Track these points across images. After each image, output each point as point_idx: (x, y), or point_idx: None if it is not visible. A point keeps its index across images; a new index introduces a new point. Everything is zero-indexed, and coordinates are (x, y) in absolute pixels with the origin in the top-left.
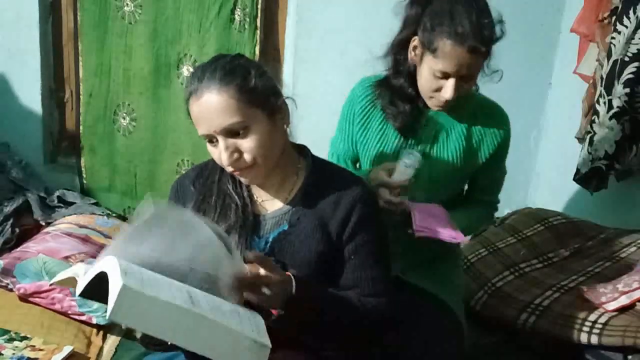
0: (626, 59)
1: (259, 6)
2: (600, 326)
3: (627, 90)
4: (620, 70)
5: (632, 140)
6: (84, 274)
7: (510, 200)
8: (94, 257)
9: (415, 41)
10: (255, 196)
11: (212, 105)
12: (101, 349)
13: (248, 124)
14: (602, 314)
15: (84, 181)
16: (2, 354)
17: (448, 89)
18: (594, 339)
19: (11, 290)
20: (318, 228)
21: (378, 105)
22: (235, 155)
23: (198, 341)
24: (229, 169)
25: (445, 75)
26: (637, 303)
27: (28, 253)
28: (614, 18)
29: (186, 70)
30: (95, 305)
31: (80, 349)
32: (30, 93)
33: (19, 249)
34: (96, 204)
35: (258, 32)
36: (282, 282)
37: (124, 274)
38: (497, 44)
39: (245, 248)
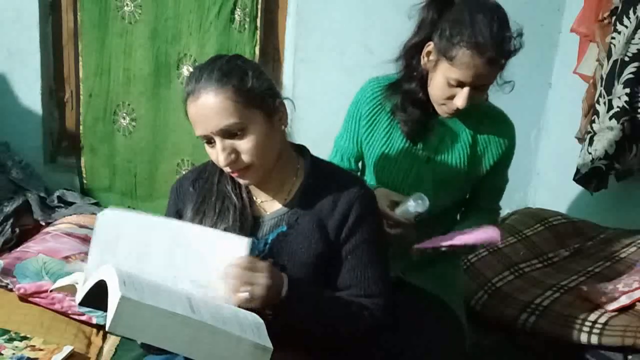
0: (626, 59)
1: (259, 6)
2: (600, 326)
3: (627, 90)
4: (620, 70)
5: (632, 140)
6: (83, 282)
7: (510, 200)
8: None
9: (430, 46)
10: (254, 197)
11: (209, 106)
12: (101, 349)
13: (245, 125)
14: (602, 314)
15: (84, 181)
16: (2, 354)
17: (461, 98)
18: (594, 339)
19: (11, 290)
20: (316, 229)
21: (386, 107)
22: (233, 156)
23: (200, 349)
24: (227, 170)
25: (460, 85)
26: (637, 303)
27: (28, 253)
28: (614, 18)
29: (186, 70)
30: None
31: (80, 349)
32: (30, 93)
33: (19, 249)
34: (96, 204)
35: (258, 32)
36: (271, 282)
37: (123, 284)
38: None
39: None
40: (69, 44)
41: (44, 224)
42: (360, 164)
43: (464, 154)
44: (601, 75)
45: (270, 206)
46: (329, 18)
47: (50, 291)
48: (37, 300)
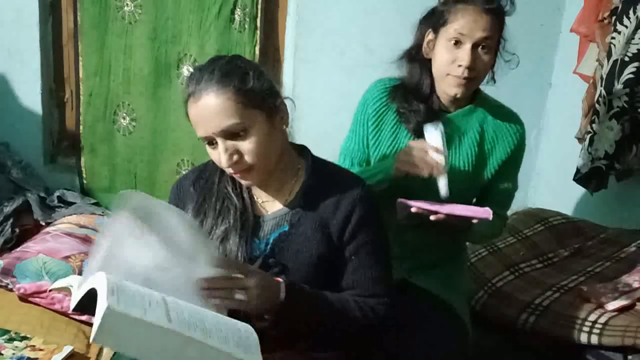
0: (626, 59)
1: (259, 6)
2: (600, 326)
3: (627, 90)
4: (620, 70)
5: (632, 140)
6: (77, 287)
7: None
8: None
9: (429, 35)
10: (255, 197)
11: (211, 108)
12: (101, 349)
13: (247, 125)
14: (602, 314)
15: (84, 181)
16: (2, 354)
17: (464, 54)
18: (594, 339)
19: (11, 290)
20: (318, 229)
21: (392, 107)
22: (235, 157)
23: None
24: (229, 171)
25: (460, 42)
26: (637, 303)
27: (28, 253)
28: (614, 18)
29: (186, 70)
30: None
31: (80, 349)
32: (30, 93)
33: (19, 249)
34: (96, 204)
35: (258, 32)
36: (262, 287)
37: (111, 293)
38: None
39: (246, 249)
40: (69, 44)
41: (44, 224)
42: None
43: (471, 152)
44: (601, 75)
45: (271, 206)
46: (329, 18)
47: (49, 290)
48: (37, 300)
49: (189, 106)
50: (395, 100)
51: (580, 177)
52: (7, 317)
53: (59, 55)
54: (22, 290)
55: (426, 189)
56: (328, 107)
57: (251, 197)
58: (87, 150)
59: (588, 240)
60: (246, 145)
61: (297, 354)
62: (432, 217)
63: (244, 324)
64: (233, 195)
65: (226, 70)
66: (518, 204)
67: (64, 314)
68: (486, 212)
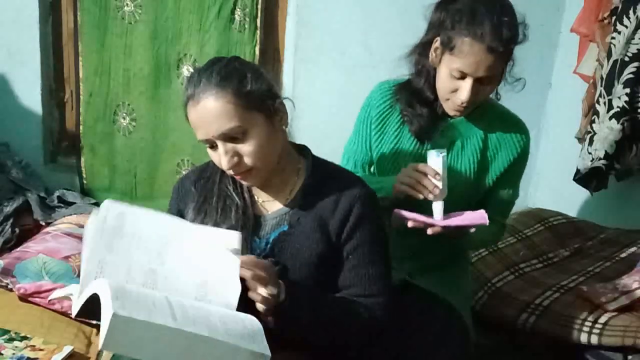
0: (626, 59)
1: (259, 6)
2: (600, 326)
3: (627, 90)
4: (620, 70)
5: (632, 140)
6: (77, 295)
7: None
8: None
9: (436, 42)
10: (255, 197)
11: (210, 111)
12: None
13: (246, 127)
14: (602, 314)
15: (84, 181)
16: (2, 354)
17: (464, 90)
18: (594, 339)
19: (11, 290)
20: (318, 228)
21: (396, 108)
22: (235, 159)
23: None
24: (230, 173)
25: (463, 76)
26: (637, 303)
27: (28, 253)
28: (614, 18)
29: (186, 70)
30: None
31: (80, 349)
32: (30, 93)
33: (19, 249)
34: (96, 204)
35: (258, 32)
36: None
37: (115, 299)
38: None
39: (246, 249)
40: (69, 44)
41: (44, 224)
42: (372, 169)
43: (473, 159)
44: (601, 75)
45: (271, 206)
46: (329, 18)
47: (49, 301)
48: (37, 300)
49: (189, 109)
50: (399, 101)
51: (580, 177)
52: (7, 317)
53: (59, 55)
54: (22, 290)
55: (428, 203)
56: (328, 107)
57: (252, 196)
58: (87, 150)
59: (588, 240)
60: (246, 148)
61: (299, 354)
62: (429, 231)
63: (247, 315)
64: (234, 194)
65: (224, 73)
66: (518, 203)
67: (64, 314)
68: (482, 218)
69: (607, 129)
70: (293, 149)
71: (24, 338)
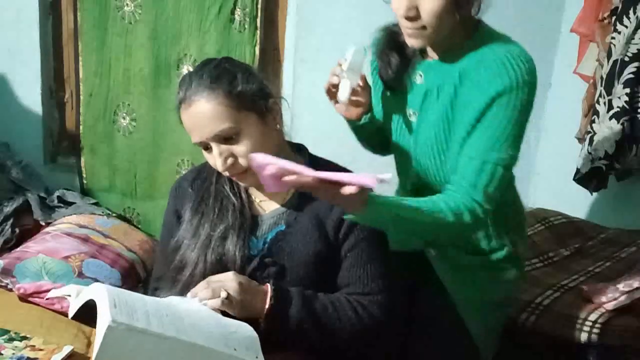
0: (626, 59)
1: (259, 6)
2: (600, 326)
3: (627, 90)
4: (620, 70)
5: (632, 140)
6: (75, 296)
7: None
8: (94, 257)
9: None
10: (252, 197)
11: (202, 113)
12: None
13: (239, 128)
14: (602, 313)
15: (84, 181)
16: (2, 354)
17: (397, 2)
18: (594, 339)
19: (11, 290)
20: (315, 227)
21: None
22: (230, 160)
23: None
24: (226, 174)
25: None
26: (637, 303)
27: (28, 253)
28: (614, 18)
29: (186, 70)
30: None
31: (80, 349)
32: (30, 93)
33: (19, 249)
34: (96, 204)
35: (258, 32)
36: (242, 293)
37: (113, 306)
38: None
39: (243, 249)
40: (69, 44)
41: (44, 224)
42: None
43: (444, 113)
44: (601, 75)
45: (268, 205)
46: (329, 18)
47: (47, 299)
48: (37, 300)
49: (182, 113)
50: (377, 43)
51: (580, 177)
52: (7, 317)
53: (59, 55)
54: (22, 290)
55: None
56: (328, 107)
57: (249, 196)
58: (87, 150)
59: (588, 240)
60: (240, 148)
61: (298, 355)
62: (286, 178)
63: (242, 323)
64: (231, 194)
65: (215, 74)
66: None
67: (64, 314)
68: (369, 179)
69: (607, 129)
70: (290, 148)
71: (24, 338)
